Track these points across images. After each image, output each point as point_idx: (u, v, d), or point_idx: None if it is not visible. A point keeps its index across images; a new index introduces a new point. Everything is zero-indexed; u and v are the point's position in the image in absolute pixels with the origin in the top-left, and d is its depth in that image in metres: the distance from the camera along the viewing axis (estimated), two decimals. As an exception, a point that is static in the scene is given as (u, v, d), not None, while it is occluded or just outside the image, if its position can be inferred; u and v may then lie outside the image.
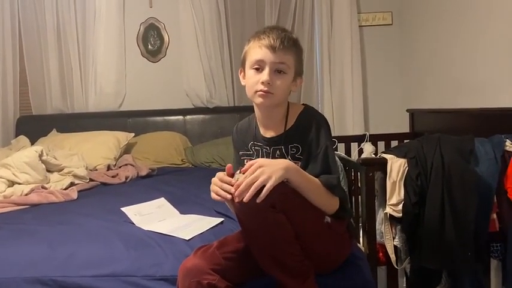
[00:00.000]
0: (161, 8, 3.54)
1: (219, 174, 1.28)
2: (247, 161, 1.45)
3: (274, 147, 1.44)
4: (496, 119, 2.16)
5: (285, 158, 1.41)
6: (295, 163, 1.39)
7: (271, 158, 1.43)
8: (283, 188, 1.24)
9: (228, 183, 1.23)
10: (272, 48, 1.34)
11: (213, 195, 1.26)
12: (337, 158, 1.81)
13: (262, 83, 1.34)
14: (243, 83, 1.46)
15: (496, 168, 1.78)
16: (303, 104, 1.49)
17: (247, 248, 1.34)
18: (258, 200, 1.16)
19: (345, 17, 3.41)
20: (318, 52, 3.53)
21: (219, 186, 1.25)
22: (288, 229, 1.25)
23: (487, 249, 1.83)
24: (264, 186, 1.17)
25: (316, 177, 1.35)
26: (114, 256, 1.47)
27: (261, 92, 1.35)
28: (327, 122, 1.43)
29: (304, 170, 1.37)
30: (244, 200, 1.17)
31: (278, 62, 1.35)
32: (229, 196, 1.21)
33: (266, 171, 1.19)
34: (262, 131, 1.48)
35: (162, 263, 1.44)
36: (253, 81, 1.37)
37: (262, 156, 1.46)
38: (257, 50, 1.37)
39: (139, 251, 1.48)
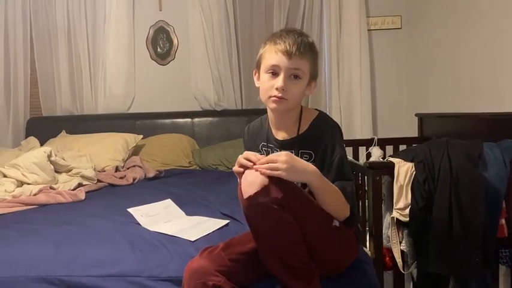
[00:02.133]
0: (171, 11, 3.56)
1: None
2: None
3: (285, 150, 1.43)
4: (505, 123, 2.14)
5: None
6: None
7: None
8: (292, 187, 1.24)
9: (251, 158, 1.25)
10: (288, 54, 1.32)
11: (236, 167, 1.28)
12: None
13: (277, 88, 1.33)
14: (257, 85, 1.44)
15: (505, 173, 1.76)
16: (316, 109, 1.48)
17: (252, 250, 1.34)
18: (257, 171, 1.20)
19: (354, 21, 3.40)
20: (326, 56, 3.51)
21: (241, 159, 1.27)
22: (296, 229, 1.25)
23: (495, 255, 1.81)
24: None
25: None
26: (120, 256, 1.47)
27: (274, 98, 1.34)
28: (341, 131, 1.42)
29: None
30: (254, 167, 1.21)
31: (293, 68, 1.34)
32: (250, 164, 1.23)
33: (289, 165, 1.21)
34: (274, 132, 1.48)
35: (167, 263, 1.44)
36: (267, 86, 1.36)
37: None
38: (273, 55, 1.35)
39: (145, 252, 1.49)
